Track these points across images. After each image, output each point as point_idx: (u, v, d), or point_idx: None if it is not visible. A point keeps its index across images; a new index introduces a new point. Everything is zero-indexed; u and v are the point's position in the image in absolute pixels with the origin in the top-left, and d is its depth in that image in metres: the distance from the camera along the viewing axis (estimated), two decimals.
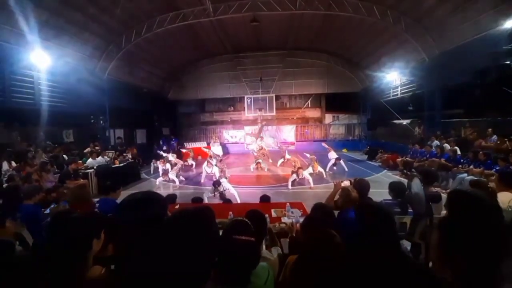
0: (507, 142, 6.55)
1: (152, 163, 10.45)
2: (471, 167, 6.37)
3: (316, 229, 1.28)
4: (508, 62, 6.98)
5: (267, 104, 16.80)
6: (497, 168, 5.62)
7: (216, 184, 5.92)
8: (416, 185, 2.30)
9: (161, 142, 15.20)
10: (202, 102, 19.17)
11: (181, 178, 8.86)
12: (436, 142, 8.68)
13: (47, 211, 3.44)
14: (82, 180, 6.60)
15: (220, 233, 1.27)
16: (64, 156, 8.17)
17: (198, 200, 4.42)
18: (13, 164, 6.31)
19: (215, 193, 5.83)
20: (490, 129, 7.47)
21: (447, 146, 8.02)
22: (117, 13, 8.98)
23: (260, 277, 1.23)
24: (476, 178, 5.36)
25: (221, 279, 1.07)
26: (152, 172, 10.08)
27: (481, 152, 6.43)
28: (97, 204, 3.16)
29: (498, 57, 7.09)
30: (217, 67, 17.38)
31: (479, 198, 1.22)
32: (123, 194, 2.51)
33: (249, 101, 16.98)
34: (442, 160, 7.42)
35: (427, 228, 2.07)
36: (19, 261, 1.22)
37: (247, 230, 1.23)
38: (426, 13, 8.80)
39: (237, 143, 17.64)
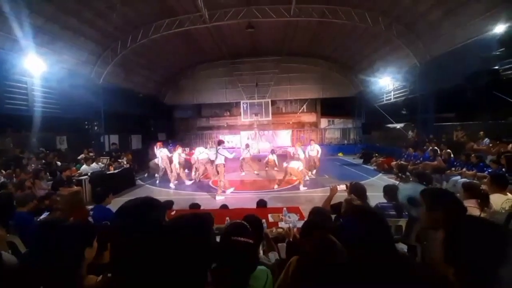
0: (499, 145, 6.67)
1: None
2: (464, 169, 6.45)
3: (316, 236, 1.28)
4: (498, 67, 7.18)
5: (263, 109, 16.88)
6: (489, 170, 5.71)
7: None
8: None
9: (155, 148, 15.04)
10: (198, 107, 19.20)
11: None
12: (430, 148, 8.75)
13: (40, 219, 3.37)
14: (75, 187, 6.49)
15: (218, 238, 1.26)
16: (58, 162, 8.05)
17: (195, 206, 4.39)
18: (3, 172, 6.18)
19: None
20: (482, 132, 7.60)
21: (437, 149, 8.12)
22: (113, 18, 9.00)
23: (259, 280, 1.23)
24: (469, 181, 5.44)
25: (220, 282, 1.06)
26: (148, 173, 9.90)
27: (473, 155, 6.53)
28: (91, 212, 3.12)
29: (488, 62, 7.28)
30: (213, 72, 17.46)
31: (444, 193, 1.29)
32: (119, 201, 2.49)
33: (245, 106, 17.03)
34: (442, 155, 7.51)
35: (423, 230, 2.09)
36: (5, 270, 1.19)
37: (245, 232, 1.23)
38: (417, 19, 9.03)
39: (233, 148, 17.62)
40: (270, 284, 1.28)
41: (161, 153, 9.32)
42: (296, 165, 7.85)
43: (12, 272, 1.26)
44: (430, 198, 1.44)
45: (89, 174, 7.40)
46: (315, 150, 9.45)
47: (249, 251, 1.16)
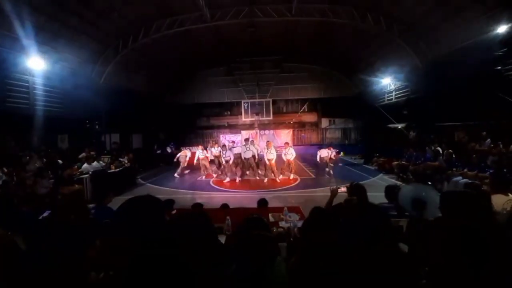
0: (501, 145, 6.65)
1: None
2: (465, 170, 6.44)
3: (316, 233, 1.29)
4: (499, 67, 7.15)
5: (264, 109, 16.89)
6: (490, 171, 5.70)
7: None
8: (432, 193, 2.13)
9: (155, 147, 15.18)
10: (199, 106, 19.16)
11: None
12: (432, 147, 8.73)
13: (42, 217, 3.38)
14: (77, 185, 6.50)
15: (218, 237, 1.27)
16: (59, 161, 8.07)
17: (198, 205, 4.38)
18: (5, 170, 6.20)
19: None
20: (484, 133, 7.58)
21: (439, 150, 8.10)
22: (114, 18, 9.01)
23: (279, 271, 1.23)
24: (470, 181, 5.43)
25: (241, 274, 1.07)
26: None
27: (474, 155, 6.51)
28: (92, 211, 3.12)
29: (490, 63, 7.25)
30: (214, 71, 17.46)
31: (471, 197, 1.25)
32: (119, 200, 2.49)
33: (246, 105, 17.04)
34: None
35: (423, 230, 2.08)
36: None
37: (263, 225, 1.25)
38: (419, 19, 8.99)
39: (234, 147, 17.61)
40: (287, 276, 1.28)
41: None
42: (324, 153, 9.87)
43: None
44: (452, 203, 1.33)
45: (90, 173, 7.42)
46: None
47: (268, 243, 1.17)
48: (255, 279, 1.08)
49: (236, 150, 9.48)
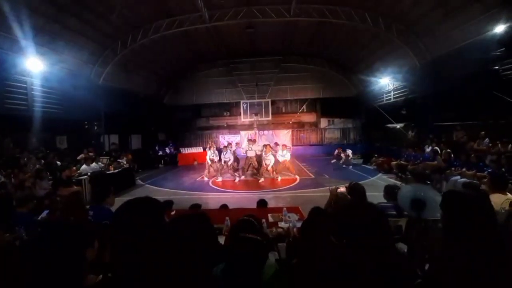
0: (499, 145, 6.67)
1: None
2: (464, 169, 6.45)
3: (314, 233, 1.29)
4: (498, 67, 7.17)
5: (263, 109, 16.89)
6: (489, 170, 5.71)
7: None
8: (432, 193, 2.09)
9: (156, 148, 15.16)
10: (198, 107, 19.15)
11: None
12: (430, 147, 8.75)
13: (40, 218, 3.37)
14: (75, 187, 6.48)
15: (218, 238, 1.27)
16: (58, 162, 8.04)
17: (196, 206, 4.38)
18: (3, 172, 6.17)
19: None
20: (483, 132, 7.60)
21: (438, 149, 8.12)
22: (113, 19, 9.00)
23: (267, 274, 1.22)
24: (468, 181, 5.44)
25: (232, 276, 1.07)
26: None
27: (473, 155, 6.52)
28: (91, 212, 3.11)
29: (488, 62, 7.27)
30: (212, 72, 17.45)
31: (473, 198, 1.25)
32: (118, 201, 2.48)
33: (245, 106, 17.04)
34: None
35: (422, 230, 2.09)
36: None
37: (252, 228, 1.25)
38: (417, 20, 9.02)
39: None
40: (277, 277, 1.28)
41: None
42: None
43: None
44: (455, 202, 1.31)
45: (89, 174, 7.40)
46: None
47: (257, 246, 1.17)
48: (242, 281, 1.08)
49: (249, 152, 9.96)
